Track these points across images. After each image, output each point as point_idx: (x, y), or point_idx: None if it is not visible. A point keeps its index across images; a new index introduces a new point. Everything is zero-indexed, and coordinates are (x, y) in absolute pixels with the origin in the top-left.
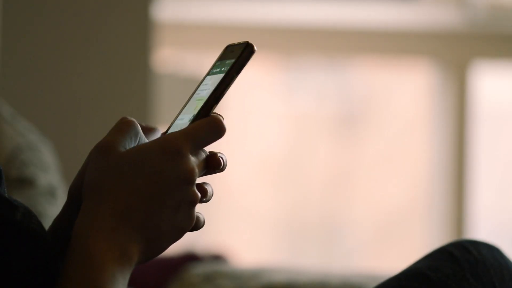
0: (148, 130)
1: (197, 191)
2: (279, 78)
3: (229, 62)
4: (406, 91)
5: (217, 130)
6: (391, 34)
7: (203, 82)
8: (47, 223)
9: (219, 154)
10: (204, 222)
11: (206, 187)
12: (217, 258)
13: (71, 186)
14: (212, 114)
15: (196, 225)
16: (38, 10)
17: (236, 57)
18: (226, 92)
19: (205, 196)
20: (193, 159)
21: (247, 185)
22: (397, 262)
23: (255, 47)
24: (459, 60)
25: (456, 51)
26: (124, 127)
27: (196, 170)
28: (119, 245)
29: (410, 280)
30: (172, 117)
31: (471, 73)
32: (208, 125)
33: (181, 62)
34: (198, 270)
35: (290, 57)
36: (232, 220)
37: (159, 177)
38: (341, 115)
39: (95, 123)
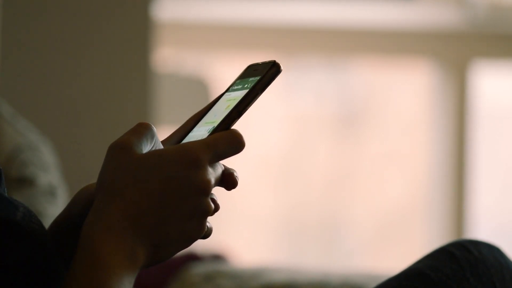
0: (187, 124)
1: (211, 203)
2: (279, 78)
3: (254, 79)
4: (406, 91)
5: (237, 144)
6: (391, 34)
7: (221, 98)
8: (47, 223)
9: (235, 174)
10: (211, 231)
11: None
12: (217, 258)
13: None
14: (231, 128)
15: (205, 234)
16: (38, 10)
17: (262, 74)
18: (248, 108)
19: (217, 210)
20: (210, 171)
21: (247, 185)
22: (397, 262)
23: (282, 67)
24: (459, 60)
25: (456, 51)
26: (140, 129)
27: (213, 182)
28: (127, 248)
29: (410, 280)
30: (172, 117)
31: (471, 73)
32: (229, 139)
33: (181, 62)
34: (198, 270)
35: (290, 57)
36: (232, 220)
37: (174, 184)
38: (341, 115)
39: (95, 123)
